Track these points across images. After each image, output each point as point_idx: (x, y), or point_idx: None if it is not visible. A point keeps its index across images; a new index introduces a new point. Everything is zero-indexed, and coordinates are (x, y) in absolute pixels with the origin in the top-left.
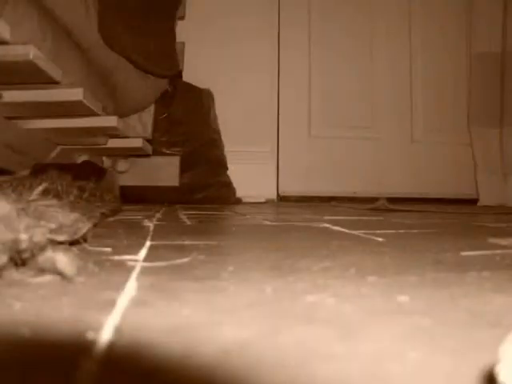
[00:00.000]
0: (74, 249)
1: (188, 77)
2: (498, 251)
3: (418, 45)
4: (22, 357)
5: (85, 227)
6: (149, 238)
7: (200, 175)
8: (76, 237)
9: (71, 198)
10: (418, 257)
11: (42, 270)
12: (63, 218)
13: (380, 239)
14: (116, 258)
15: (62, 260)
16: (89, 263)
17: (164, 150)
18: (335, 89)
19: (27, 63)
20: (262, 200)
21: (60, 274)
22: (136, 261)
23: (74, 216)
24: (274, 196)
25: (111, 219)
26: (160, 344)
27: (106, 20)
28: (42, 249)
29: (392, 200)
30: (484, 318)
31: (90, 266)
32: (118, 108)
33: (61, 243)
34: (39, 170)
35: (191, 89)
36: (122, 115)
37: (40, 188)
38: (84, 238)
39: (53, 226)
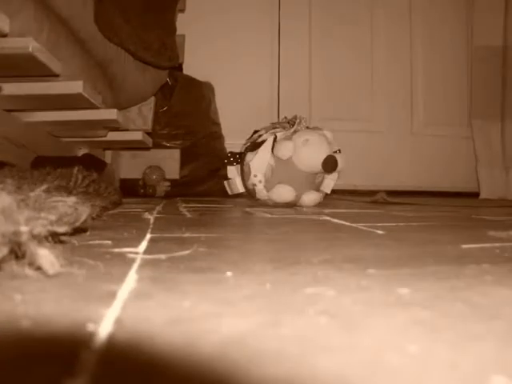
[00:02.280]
0: (75, 241)
1: (188, 70)
2: (498, 244)
3: (419, 37)
4: (22, 349)
5: (85, 213)
6: (149, 230)
7: (200, 168)
8: (77, 224)
9: (72, 190)
10: (418, 249)
11: (29, 264)
12: (63, 207)
13: (380, 232)
14: (116, 250)
15: (44, 256)
16: (89, 256)
17: (164, 143)
18: (336, 82)
19: (26, 56)
20: None
21: (41, 269)
22: (136, 253)
23: (72, 201)
24: None
25: (112, 212)
26: (160, 336)
27: (103, 11)
28: (40, 241)
29: (393, 193)
30: (484, 310)
31: (90, 259)
32: (117, 100)
33: (62, 234)
34: (39, 163)
35: (192, 82)
36: (121, 107)
37: (43, 187)
38: (84, 229)
39: (53, 217)
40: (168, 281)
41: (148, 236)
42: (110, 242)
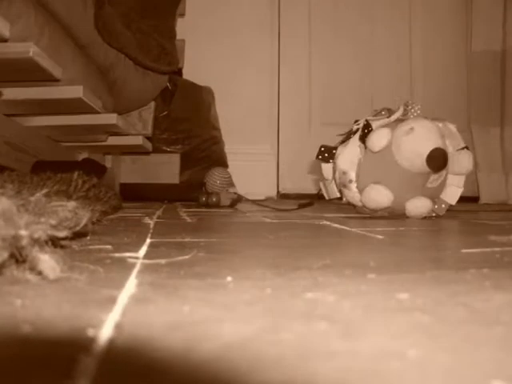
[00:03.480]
0: (75, 246)
1: (188, 74)
2: (498, 249)
3: (418, 43)
4: (22, 353)
5: (85, 217)
6: (149, 235)
7: (200, 173)
8: (77, 229)
9: (72, 194)
10: (418, 254)
11: (30, 269)
12: (63, 211)
13: (380, 237)
14: (116, 255)
15: (45, 261)
16: (89, 261)
17: (164, 148)
18: (335, 87)
19: (27, 60)
20: (262, 198)
21: (41, 274)
22: (136, 258)
23: (72, 205)
24: (274, 193)
25: (112, 216)
26: (160, 341)
27: (103, 16)
28: (40, 245)
29: None
30: (484, 315)
31: (90, 264)
32: (117, 104)
33: (62, 239)
34: (39, 168)
35: (191, 86)
36: (121, 112)
37: (43, 191)
38: (84, 233)
39: (53, 222)
40: (168, 286)
41: (148, 241)
42: (110, 246)
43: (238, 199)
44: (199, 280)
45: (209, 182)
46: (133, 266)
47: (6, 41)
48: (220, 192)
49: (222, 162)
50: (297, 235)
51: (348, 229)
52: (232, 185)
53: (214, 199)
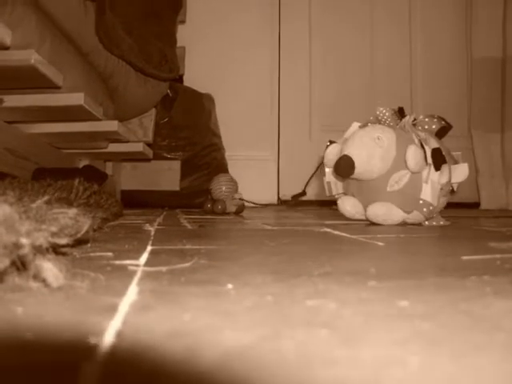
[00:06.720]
0: (76, 253)
1: (189, 81)
2: (499, 255)
3: (419, 49)
4: (23, 361)
5: (86, 224)
6: (150, 242)
7: (200, 179)
8: (78, 236)
9: (73, 201)
10: (419, 261)
11: (34, 277)
12: (64, 219)
13: (380, 243)
14: (117, 262)
15: (49, 269)
16: (90, 268)
17: (165, 155)
18: (336, 93)
19: (28, 68)
20: (263, 204)
21: (44, 281)
22: (137, 265)
23: (73, 212)
24: (274, 200)
25: (113, 223)
26: (161, 348)
27: (104, 23)
28: (43, 253)
29: None
30: (484, 322)
31: (91, 271)
32: (118, 111)
33: (63, 246)
34: (40, 175)
35: (192, 93)
36: (122, 119)
37: (44, 198)
38: (85, 240)
39: (54, 229)
40: (169, 293)
41: (149, 248)
42: (111, 253)
43: (244, 206)
44: (200, 287)
45: (214, 188)
46: (134, 273)
47: (7, 48)
48: (226, 199)
49: (223, 169)
50: (297, 242)
51: (348, 236)
52: (237, 191)
53: (220, 206)
